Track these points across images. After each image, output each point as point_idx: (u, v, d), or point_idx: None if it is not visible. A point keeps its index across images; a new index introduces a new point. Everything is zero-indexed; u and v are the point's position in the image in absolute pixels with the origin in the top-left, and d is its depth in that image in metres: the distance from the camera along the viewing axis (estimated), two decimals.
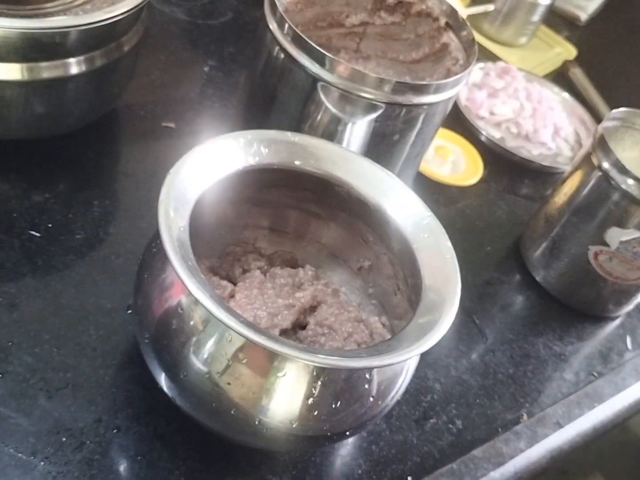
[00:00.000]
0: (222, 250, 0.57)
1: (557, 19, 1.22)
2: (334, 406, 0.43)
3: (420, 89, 0.55)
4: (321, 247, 0.59)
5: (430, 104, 0.56)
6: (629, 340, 0.72)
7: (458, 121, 0.87)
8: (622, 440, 1.17)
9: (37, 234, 0.57)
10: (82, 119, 0.63)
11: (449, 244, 0.50)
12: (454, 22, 0.64)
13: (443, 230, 0.51)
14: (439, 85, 0.55)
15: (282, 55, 0.56)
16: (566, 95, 1.00)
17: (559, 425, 0.61)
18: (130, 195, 0.64)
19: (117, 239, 0.60)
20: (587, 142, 0.93)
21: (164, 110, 0.73)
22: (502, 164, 0.86)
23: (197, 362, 0.43)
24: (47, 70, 0.56)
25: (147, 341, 0.46)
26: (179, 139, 0.71)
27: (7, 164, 0.61)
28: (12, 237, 0.56)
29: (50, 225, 0.59)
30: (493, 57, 1.05)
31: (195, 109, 0.75)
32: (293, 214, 0.57)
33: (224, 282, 0.53)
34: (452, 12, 0.64)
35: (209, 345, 0.42)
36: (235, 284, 0.53)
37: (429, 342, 0.42)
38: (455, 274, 0.48)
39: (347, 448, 0.53)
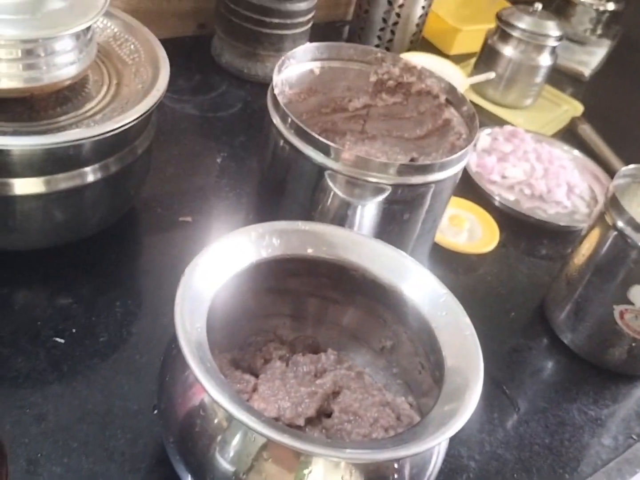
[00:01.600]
0: (244, 341, 0.57)
1: (560, 77, 1.23)
2: None
3: (425, 169, 0.56)
4: (342, 330, 0.59)
5: (436, 182, 0.57)
6: None
7: (470, 188, 0.88)
8: None
9: (62, 340, 0.58)
10: (101, 223, 0.65)
11: (468, 320, 0.50)
12: (454, 98, 0.66)
13: (461, 307, 0.51)
14: (444, 163, 0.56)
15: (287, 147, 0.58)
16: (577, 152, 1.01)
17: None
18: (151, 293, 0.65)
19: (140, 338, 0.61)
20: (601, 199, 0.93)
21: (180, 205, 0.75)
22: (518, 227, 0.86)
23: (223, 463, 0.43)
24: (65, 181, 0.58)
25: (172, 444, 0.46)
26: (196, 232, 0.72)
27: (30, 273, 0.63)
28: (37, 346, 0.58)
29: (74, 331, 0.60)
30: (500, 121, 1.06)
31: (210, 200, 0.77)
32: (312, 300, 0.57)
33: (247, 376, 0.53)
34: (451, 89, 0.66)
35: (233, 446, 0.42)
36: (257, 376, 0.53)
37: (455, 426, 0.42)
38: (477, 352, 0.47)
39: None
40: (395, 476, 0.43)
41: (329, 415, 0.52)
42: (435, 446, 0.45)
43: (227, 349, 0.56)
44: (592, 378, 0.70)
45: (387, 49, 1.10)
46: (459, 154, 0.57)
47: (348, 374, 0.55)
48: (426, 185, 0.57)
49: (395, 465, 0.43)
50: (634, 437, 0.65)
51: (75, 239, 0.64)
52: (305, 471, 0.41)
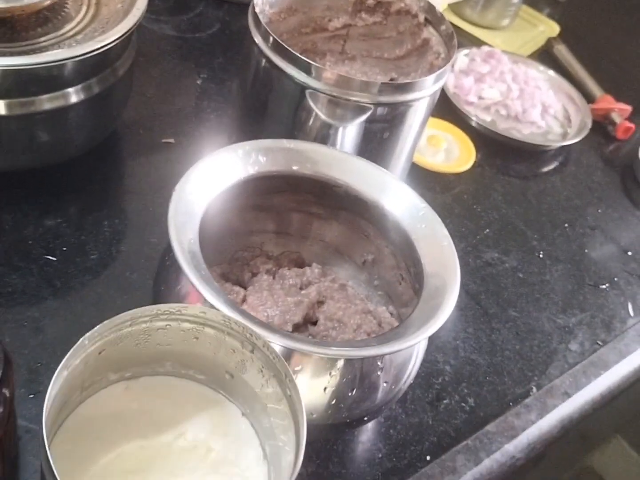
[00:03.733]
0: (232, 256, 0.60)
1: None
2: (350, 394, 0.46)
3: (405, 88, 0.57)
4: (325, 245, 0.62)
5: (416, 99, 0.59)
6: (630, 307, 0.74)
7: (448, 109, 0.89)
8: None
9: (54, 258, 0.60)
10: (85, 144, 0.66)
11: (446, 231, 0.52)
12: (433, 18, 0.66)
13: (439, 219, 0.53)
14: (423, 81, 0.58)
15: (269, 67, 0.59)
16: (552, 73, 1.02)
17: (568, 395, 0.63)
18: (138, 213, 0.67)
19: (130, 256, 0.63)
20: (575, 120, 0.96)
21: (161, 127, 0.76)
22: (494, 147, 0.88)
23: None
24: (48, 102, 0.58)
25: None
26: (180, 153, 0.73)
27: (18, 194, 0.64)
28: (30, 264, 0.59)
29: (65, 249, 0.61)
30: (477, 42, 1.07)
31: (192, 122, 0.78)
32: (296, 216, 0.60)
33: (237, 288, 0.55)
34: (430, 8, 0.67)
35: None
36: (245, 288, 0.56)
37: (434, 326, 0.45)
38: (454, 259, 0.50)
39: (366, 434, 0.56)
40: (379, 373, 0.47)
41: (314, 323, 0.55)
42: (415, 345, 0.49)
43: (216, 263, 0.58)
44: (561, 288, 0.74)
45: None
46: (438, 72, 0.58)
47: (332, 286, 0.58)
48: (406, 104, 0.58)
49: (379, 363, 0.46)
50: (599, 342, 0.70)
51: (60, 160, 0.65)
52: (296, 368, 0.44)
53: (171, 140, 0.75)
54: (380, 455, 0.55)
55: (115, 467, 0.41)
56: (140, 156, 0.73)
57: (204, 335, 0.42)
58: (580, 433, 1.04)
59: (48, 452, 0.34)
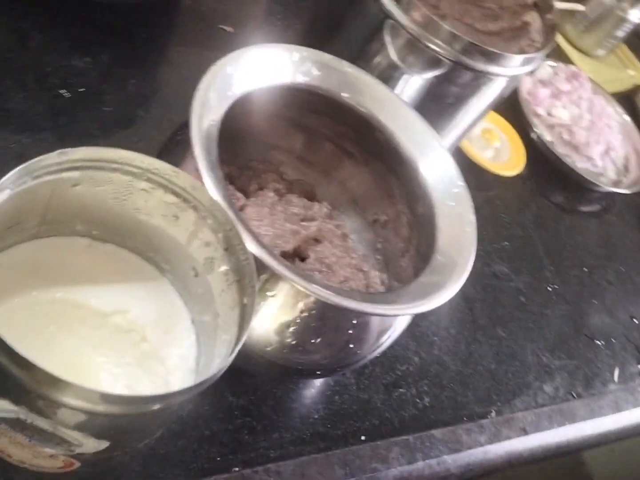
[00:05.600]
0: (244, 162, 0.55)
1: (639, 42, 1.17)
2: (312, 341, 0.42)
3: (490, 56, 0.52)
4: (344, 189, 0.57)
5: (495, 75, 0.54)
6: (616, 372, 0.70)
7: (513, 111, 0.84)
8: (573, 470, 1.16)
9: (67, 94, 0.56)
10: None
11: (473, 217, 0.48)
12: (542, 3, 0.61)
13: (471, 203, 0.49)
14: (510, 58, 0.53)
15: None
16: (627, 118, 0.97)
17: (524, 432, 0.60)
18: (169, 85, 0.62)
19: (143, 123, 0.58)
20: (634, 171, 0.91)
21: (225, 13, 0.71)
22: (544, 166, 0.84)
23: None
24: None
25: None
26: (232, 45, 0.67)
27: (55, 16, 0.59)
28: (41, 90, 0.55)
29: (82, 90, 0.57)
30: (566, 60, 1.01)
31: (257, 20, 0.73)
32: (327, 146, 0.55)
33: (239, 194, 0.51)
34: None
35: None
36: (247, 198, 0.52)
37: (426, 305, 0.41)
38: (471, 248, 0.46)
39: (310, 390, 0.53)
40: (349, 331, 0.43)
41: (302, 259, 0.51)
42: (396, 320, 0.45)
43: (226, 163, 0.54)
44: (558, 330, 0.70)
45: None
46: (529, 55, 0.54)
47: (334, 231, 0.54)
48: (484, 74, 0.54)
49: (353, 321, 0.42)
50: (574, 394, 0.66)
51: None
52: (269, 293, 0.40)
53: (229, 28, 0.70)
54: (316, 416, 0.51)
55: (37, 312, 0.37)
56: (194, 33, 0.68)
57: (185, 216, 0.38)
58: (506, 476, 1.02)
59: None
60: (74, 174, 0.36)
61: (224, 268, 0.38)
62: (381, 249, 0.56)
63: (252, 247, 0.37)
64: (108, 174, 0.37)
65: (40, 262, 0.40)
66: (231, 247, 0.37)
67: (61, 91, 0.56)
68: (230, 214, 0.37)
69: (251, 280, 0.36)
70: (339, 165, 0.55)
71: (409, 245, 0.53)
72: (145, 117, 0.59)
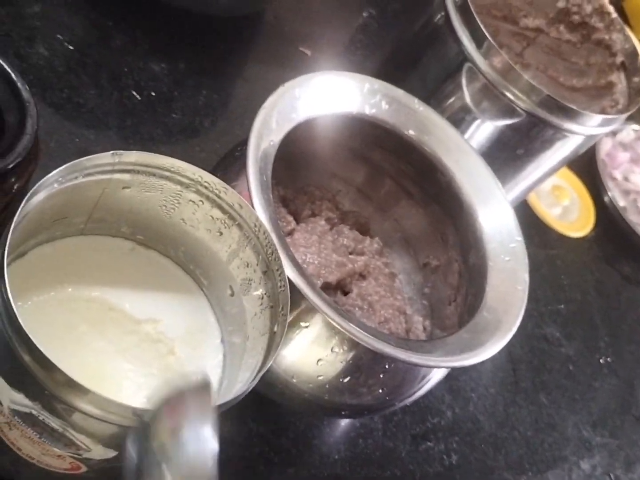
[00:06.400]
0: (301, 187, 0.55)
1: None
2: (340, 380, 0.41)
3: (568, 113, 0.50)
4: (399, 228, 0.56)
5: (570, 133, 0.52)
6: None
7: (588, 170, 0.81)
8: None
9: (138, 97, 0.57)
10: (231, 6, 0.61)
11: (527, 276, 0.46)
12: (631, 65, 0.59)
13: (526, 260, 0.47)
14: (589, 117, 0.51)
15: (443, 22, 0.53)
16: None
17: None
18: (240, 100, 0.63)
19: (208, 134, 0.58)
20: None
21: (307, 35, 0.71)
22: (614, 232, 0.80)
23: None
24: None
25: None
26: (308, 68, 0.68)
27: (140, 22, 0.60)
28: (114, 89, 0.56)
29: (153, 94, 0.57)
30: None
31: (337, 47, 0.73)
32: (387, 182, 0.54)
33: (290, 218, 0.50)
34: (633, 54, 0.59)
35: None
36: (298, 223, 0.51)
37: (467, 360, 0.39)
38: (520, 308, 0.44)
39: (334, 429, 0.51)
40: (381, 376, 0.41)
41: (345, 293, 0.50)
42: (432, 371, 0.43)
43: (282, 185, 0.53)
44: (604, 408, 0.66)
45: None
46: (610, 117, 0.51)
47: (381, 268, 0.52)
48: (560, 130, 0.51)
49: (386, 365, 0.41)
50: (612, 476, 0.62)
51: (203, 9, 0.61)
52: (302, 323, 0.39)
53: (308, 52, 0.70)
54: (336, 457, 0.50)
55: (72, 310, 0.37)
56: (272, 51, 0.69)
57: (229, 234, 0.37)
58: None
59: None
60: (125, 177, 0.36)
61: (259, 291, 0.37)
62: (428, 294, 0.54)
63: (290, 273, 0.36)
64: (159, 180, 0.37)
65: (82, 258, 0.40)
66: (270, 271, 0.36)
67: (133, 92, 0.57)
68: (274, 238, 0.36)
69: (284, 308, 0.35)
70: (397, 203, 0.54)
71: (457, 294, 0.51)
72: (211, 128, 0.59)
